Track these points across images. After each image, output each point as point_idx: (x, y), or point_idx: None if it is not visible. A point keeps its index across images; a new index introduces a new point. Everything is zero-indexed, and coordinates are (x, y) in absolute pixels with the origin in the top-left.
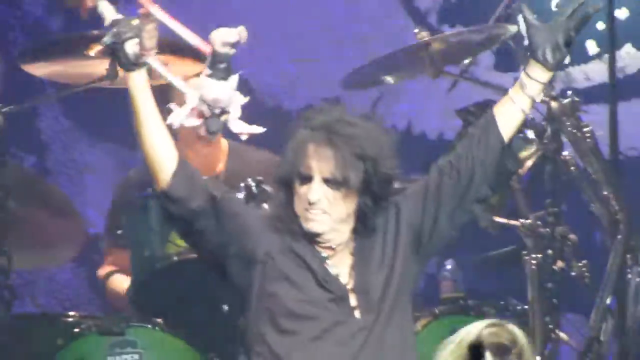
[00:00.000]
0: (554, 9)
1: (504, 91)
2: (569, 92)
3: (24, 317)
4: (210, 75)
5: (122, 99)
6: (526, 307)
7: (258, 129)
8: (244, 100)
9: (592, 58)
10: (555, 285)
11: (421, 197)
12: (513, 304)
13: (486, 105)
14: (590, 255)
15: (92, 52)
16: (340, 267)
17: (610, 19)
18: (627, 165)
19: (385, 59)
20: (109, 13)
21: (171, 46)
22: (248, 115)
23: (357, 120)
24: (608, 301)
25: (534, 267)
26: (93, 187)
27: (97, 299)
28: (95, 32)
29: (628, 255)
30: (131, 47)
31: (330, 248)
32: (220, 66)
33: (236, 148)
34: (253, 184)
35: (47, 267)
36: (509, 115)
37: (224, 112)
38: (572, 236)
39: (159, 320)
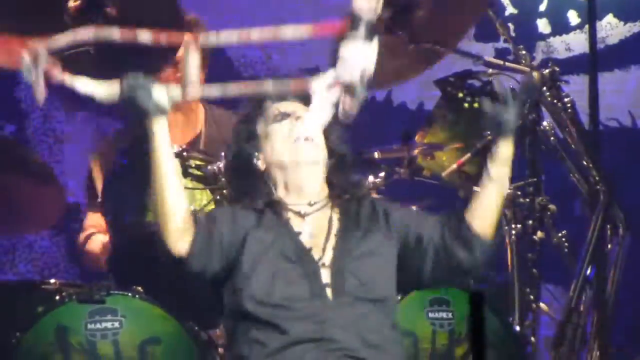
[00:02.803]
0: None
1: (483, 61)
2: (549, 63)
3: (3, 285)
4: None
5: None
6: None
7: None
8: None
9: (573, 28)
10: (535, 256)
11: (414, 231)
12: (492, 275)
13: (465, 76)
14: (570, 225)
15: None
16: (314, 240)
17: None
18: (607, 136)
19: None
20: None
21: None
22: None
23: None
24: (587, 272)
25: (513, 237)
26: (72, 156)
27: (76, 267)
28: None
29: (608, 226)
30: (159, 94)
31: (308, 204)
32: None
33: (213, 114)
34: None
35: (26, 234)
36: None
37: None
38: (552, 206)
39: (139, 288)
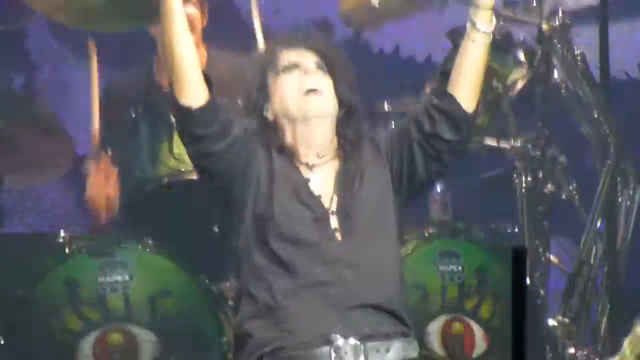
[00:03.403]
0: None
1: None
2: (560, 15)
3: (13, 237)
4: None
5: None
6: (516, 230)
7: None
8: None
9: None
10: (546, 208)
11: (397, 141)
12: (503, 227)
13: None
14: (581, 178)
15: None
16: (323, 189)
17: None
18: (617, 88)
19: None
20: None
21: None
22: (232, 33)
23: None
24: (598, 224)
25: (524, 189)
26: (81, 107)
27: (86, 220)
28: None
29: (618, 179)
30: None
31: (317, 156)
32: None
33: (214, 57)
34: None
35: (35, 185)
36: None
37: None
38: (562, 159)
39: (150, 241)
